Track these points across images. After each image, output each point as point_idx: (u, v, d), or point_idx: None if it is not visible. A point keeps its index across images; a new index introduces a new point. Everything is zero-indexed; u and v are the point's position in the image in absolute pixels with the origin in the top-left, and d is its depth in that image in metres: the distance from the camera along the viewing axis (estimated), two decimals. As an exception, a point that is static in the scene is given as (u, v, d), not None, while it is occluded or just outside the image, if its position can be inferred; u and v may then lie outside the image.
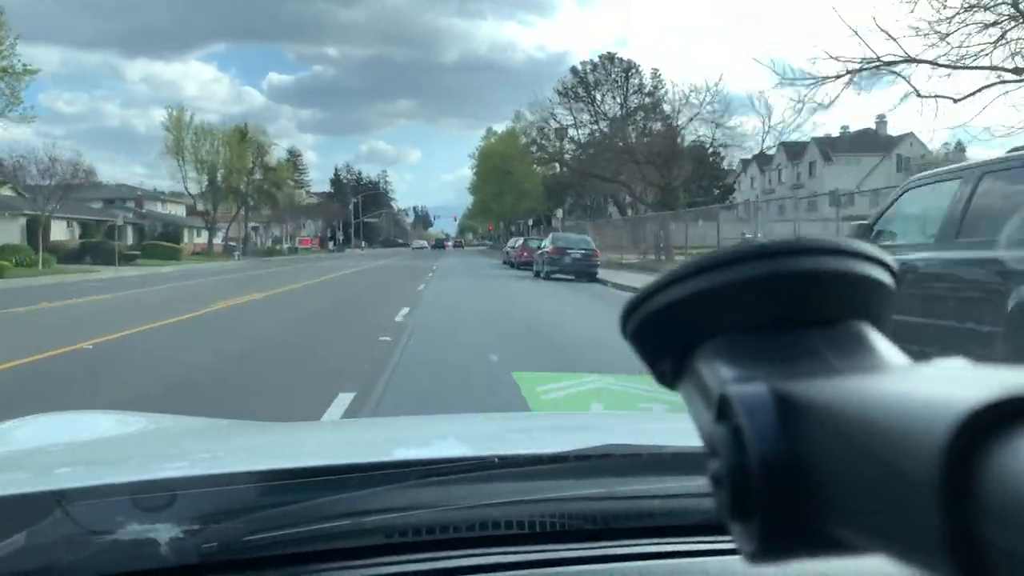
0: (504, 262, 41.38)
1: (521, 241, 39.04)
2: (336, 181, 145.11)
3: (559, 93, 58.59)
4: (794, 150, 73.71)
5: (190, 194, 57.38)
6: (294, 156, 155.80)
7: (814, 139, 73.27)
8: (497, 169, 69.76)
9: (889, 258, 0.37)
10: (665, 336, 0.38)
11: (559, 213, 46.72)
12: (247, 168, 60.80)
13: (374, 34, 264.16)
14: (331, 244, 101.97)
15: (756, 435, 0.31)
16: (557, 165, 62.02)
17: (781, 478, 0.30)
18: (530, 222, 63.83)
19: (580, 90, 59.14)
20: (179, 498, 0.91)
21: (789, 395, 0.32)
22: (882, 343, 0.36)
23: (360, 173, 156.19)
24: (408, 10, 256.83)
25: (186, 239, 61.96)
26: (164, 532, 0.85)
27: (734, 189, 68.87)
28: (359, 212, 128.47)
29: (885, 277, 0.37)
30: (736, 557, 0.32)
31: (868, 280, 0.36)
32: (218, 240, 62.10)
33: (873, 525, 0.27)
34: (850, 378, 0.32)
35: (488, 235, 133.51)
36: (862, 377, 0.32)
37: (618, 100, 59.47)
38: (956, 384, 0.27)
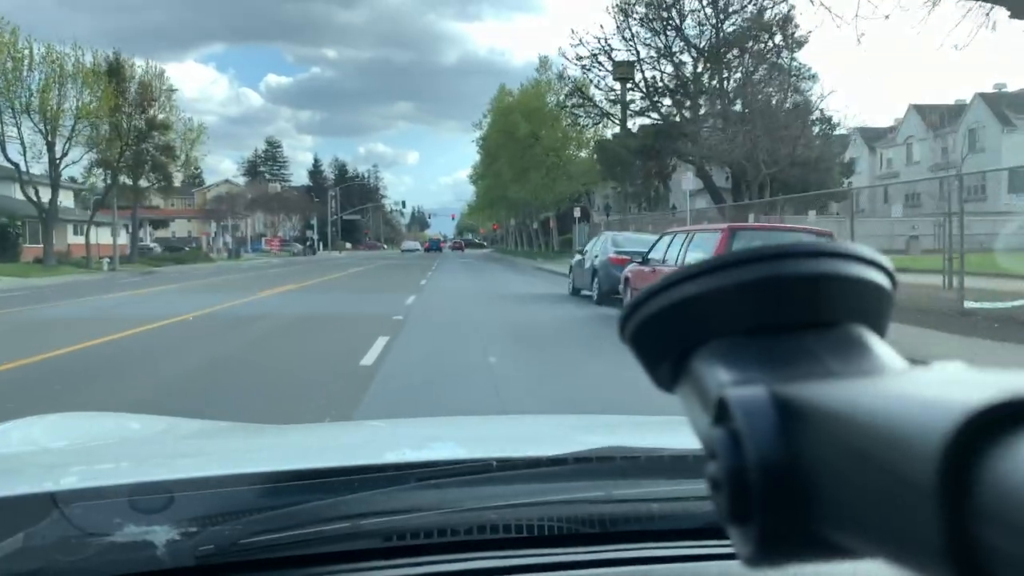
0: (574, 292, 17.42)
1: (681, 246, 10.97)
2: (315, 173, 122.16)
3: (621, 13, 35.84)
4: (936, 114, 51.02)
5: (10, 162, 33.68)
6: (273, 146, 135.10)
7: (980, 95, 50.89)
8: (518, 134, 46.44)
9: (886, 261, 0.37)
10: (664, 339, 0.38)
11: (687, 179, 22.57)
12: (119, 123, 37.12)
13: (373, 36, 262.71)
14: (305, 244, 78.53)
15: (754, 438, 0.31)
16: (610, 124, 39.27)
17: (779, 481, 0.30)
18: (576, 213, 40.29)
19: (652, 7, 36.04)
20: (176, 500, 0.90)
21: (787, 398, 0.31)
22: (880, 346, 0.35)
23: (344, 165, 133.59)
24: (407, 12, 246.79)
25: (50, 239, 39.20)
26: (161, 534, 0.84)
27: (852, 171, 45.99)
28: (339, 208, 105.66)
29: (882, 280, 0.36)
30: (736, 561, 0.32)
31: (865, 283, 0.36)
32: (123, 239, 39.51)
33: (871, 528, 0.27)
34: (848, 381, 0.31)
35: (493, 236, 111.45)
36: (860, 380, 0.31)
37: (711, 24, 36.48)
38: (954, 387, 0.26)
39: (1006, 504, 0.22)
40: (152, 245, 60.77)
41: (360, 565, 0.90)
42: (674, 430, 1.28)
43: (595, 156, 38.54)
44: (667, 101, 37.29)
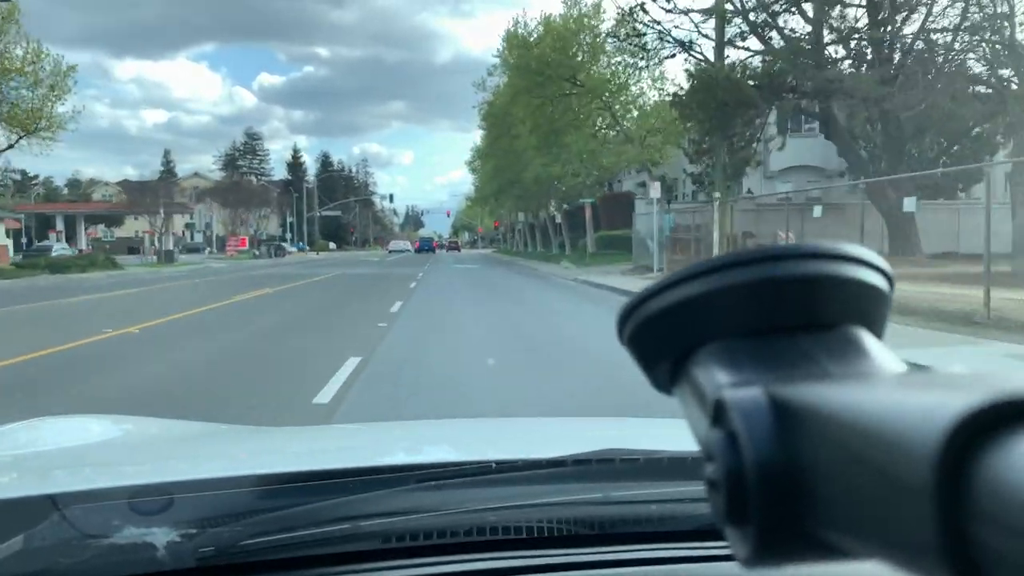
0: None
1: None
2: (294, 165, 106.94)
3: None
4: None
5: None
6: (252, 138, 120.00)
7: None
8: (545, 77, 30.31)
9: (884, 262, 0.36)
10: (661, 341, 0.37)
11: None
12: None
13: (366, 35, 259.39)
14: (269, 245, 63.56)
15: (751, 440, 0.30)
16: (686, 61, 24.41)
17: (776, 483, 0.30)
18: (653, 191, 24.82)
19: None
20: (176, 502, 0.90)
21: (784, 400, 0.31)
22: (877, 348, 0.35)
23: (327, 156, 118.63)
24: (400, 10, 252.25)
25: None
26: (161, 536, 0.84)
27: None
28: (318, 204, 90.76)
29: (880, 281, 0.36)
30: (733, 563, 0.31)
31: (863, 285, 0.35)
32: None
33: (868, 529, 0.27)
34: (845, 383, 0.31)
35: (493, 234, 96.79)
36: (857, 382, 0.31)
37: None
38: (949, 389, 0.26)
39: (1002, 504, 0.22)
40: (62, 246, 46.06)
41: (360, 567, 0.89)
42: (673, 432, 1.26)
43: (675, 101, 23.46)
44: (783, 21, 22.89)
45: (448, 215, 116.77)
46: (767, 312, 0.35)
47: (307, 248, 77.31)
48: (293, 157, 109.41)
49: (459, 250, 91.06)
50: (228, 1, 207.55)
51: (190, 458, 1.44)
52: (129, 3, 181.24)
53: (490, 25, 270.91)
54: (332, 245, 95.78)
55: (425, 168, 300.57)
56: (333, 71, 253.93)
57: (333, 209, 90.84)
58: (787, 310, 0.35)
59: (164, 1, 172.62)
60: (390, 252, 79.54)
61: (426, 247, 77.63)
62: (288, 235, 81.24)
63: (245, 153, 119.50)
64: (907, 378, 0.31)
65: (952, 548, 0.23)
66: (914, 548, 0.25)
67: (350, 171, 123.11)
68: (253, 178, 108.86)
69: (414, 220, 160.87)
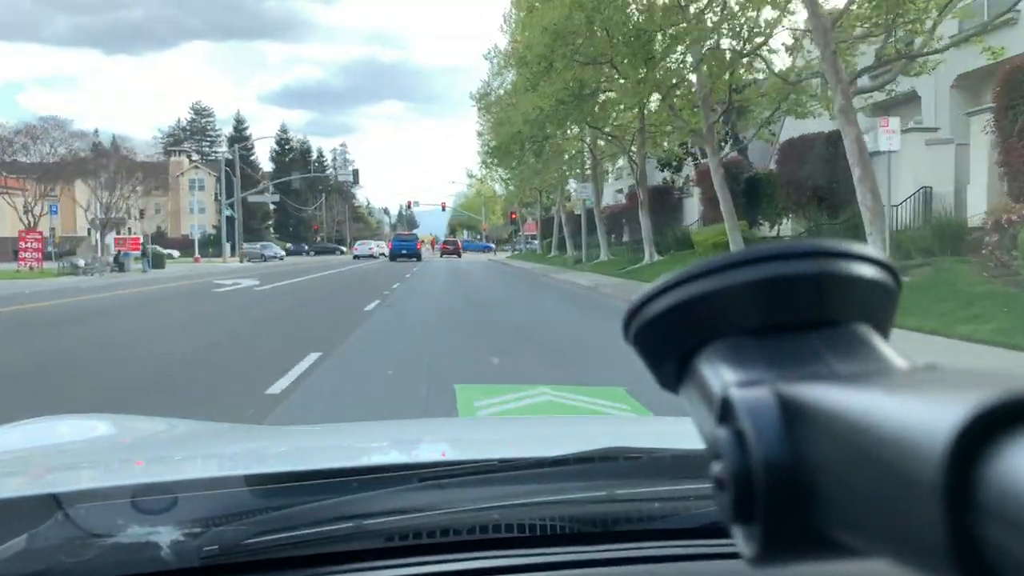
0: None
1: None
2: (238, 138, 78.10)
3: None
4: None
5: None
6: (201, 116, 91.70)
7: None
8: None
9: (890, 260, 0.35)
10: (668, 339, 0.37)
11: None
12: None
13: (359, 35, 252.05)
14: (97, 255, 35.04)
15: (759, 438, 0.30)
16: None
17: (784, 481, 0.29)
18: None
19: None
20: (180, 501, 0.89)
21: (792, 398, 0.30)
22: (884, 346, 0.34)
23: (287, 131, 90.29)
24: (393, 10, 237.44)
25: None
26: (165, 535, 0.83)
27: None
28: (238, 188, 62.35)
29: (887, 279, 0.35)
30: (738, 560, 0.31)
31: (870, 282, 0.35)
32: None
33: (875, 528, 0.26)
34: (853, 381, 0.30)
35: (505, 231, 68.98)
36: (865, 380, 0.31)
37: None
38: (958, 387, 0.26)
39: (1010, 504, 0.22)
40: None
41: (363, 565, 0.88)
42: (676, 430, 1.23)
43: None
44: None
45: (443, 208, 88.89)
46: (774, 310, 0.34)
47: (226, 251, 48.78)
48: (235, 130, 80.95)
49: (459, 254, 62.39)
50: (220, 1, 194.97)
51: (194, 457, 1.41)
52: (119, 3, 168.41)
53: (484, 28, 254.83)
54: (286, 248, 67.62)
55: (420, 167, 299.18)
56: (326, 71, 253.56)
57: (275, 191, 61.90)
58: (795, 308, 0.34)
59: (155, 1, 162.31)
60: (355, 257, 53.67)
61: (405, 250, 47.84)
62: (210, 232, 53.72)
63: (193, 133, 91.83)
64: (915, 376, 0.31)
65: (960, 548, 0.23)
66: (922, 547, 0.24)
67: (321, 155, 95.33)
68: (185, 160, 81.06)
69: (408, 220, 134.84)
